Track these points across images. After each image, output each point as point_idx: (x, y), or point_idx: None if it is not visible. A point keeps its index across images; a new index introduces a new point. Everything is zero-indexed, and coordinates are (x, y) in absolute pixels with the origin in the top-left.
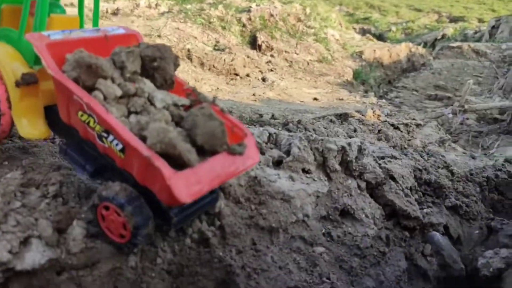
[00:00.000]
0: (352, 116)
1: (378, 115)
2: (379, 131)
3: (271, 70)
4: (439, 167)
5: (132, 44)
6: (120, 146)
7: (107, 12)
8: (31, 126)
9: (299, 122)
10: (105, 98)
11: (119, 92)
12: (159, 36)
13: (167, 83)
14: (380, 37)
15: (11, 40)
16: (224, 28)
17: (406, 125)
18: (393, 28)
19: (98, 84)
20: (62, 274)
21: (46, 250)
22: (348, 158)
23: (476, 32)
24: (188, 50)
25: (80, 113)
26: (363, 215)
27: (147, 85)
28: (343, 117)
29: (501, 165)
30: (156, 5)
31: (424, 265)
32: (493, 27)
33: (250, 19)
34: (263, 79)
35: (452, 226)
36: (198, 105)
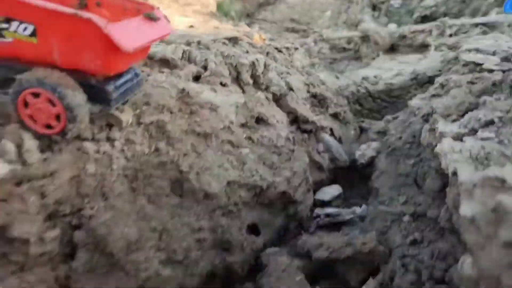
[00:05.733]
0: (241, 39)
1: (264, 38)
2: (267, 53)
3: None
4: (318, 84)
5: None
6: (30, 29)
7: None
8: None
9: (199, 42)
10: None
11: None
12: None
13: None
14: None
15: None
16: None
17: (287, 48)
18: None
19: None
20: (22, 185)
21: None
22: (257, 73)
23: None
24: None
25: None
26: (275, 121)
27: None
28: (233, 40)
29: (360, 82)
30: None
31: (319, 160)
32: None
33: None
34: None
35: (335, 129)
36: None
